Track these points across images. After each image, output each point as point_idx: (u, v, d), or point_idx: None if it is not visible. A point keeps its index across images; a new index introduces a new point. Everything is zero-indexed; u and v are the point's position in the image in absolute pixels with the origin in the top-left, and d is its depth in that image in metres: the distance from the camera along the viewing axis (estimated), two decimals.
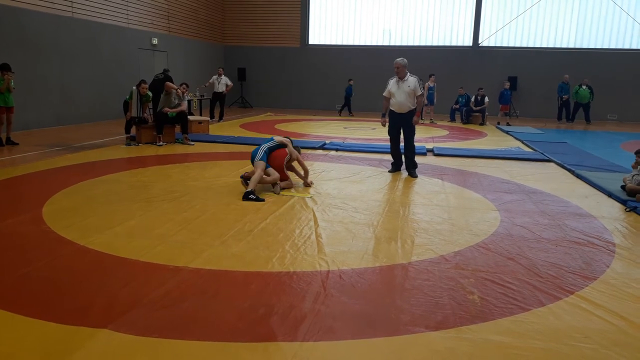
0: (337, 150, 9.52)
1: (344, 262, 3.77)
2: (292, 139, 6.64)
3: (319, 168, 7.60)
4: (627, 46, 18.78)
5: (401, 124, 7.39)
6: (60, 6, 11.79)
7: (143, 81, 9.64)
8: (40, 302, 3.03)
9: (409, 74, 7.23)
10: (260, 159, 5.88)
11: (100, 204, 5.26)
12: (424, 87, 16.17)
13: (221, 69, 14.88)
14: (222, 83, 14.48)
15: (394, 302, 3.16)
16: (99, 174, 6.66)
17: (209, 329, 2.74)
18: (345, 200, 5.71)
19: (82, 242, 4.04)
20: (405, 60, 7.21)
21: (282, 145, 6.26)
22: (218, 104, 14.80)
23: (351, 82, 18.13)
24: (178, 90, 10.00)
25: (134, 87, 9.51)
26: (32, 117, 11.08)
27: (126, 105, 9.63)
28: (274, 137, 6.43)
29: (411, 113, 7.29)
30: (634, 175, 6.15)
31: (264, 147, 6.08)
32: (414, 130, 7.46)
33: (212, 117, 14.54)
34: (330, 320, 2.88)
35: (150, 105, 10.10)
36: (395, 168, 7.53)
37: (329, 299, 3.15)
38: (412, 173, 7.23)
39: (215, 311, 2.95)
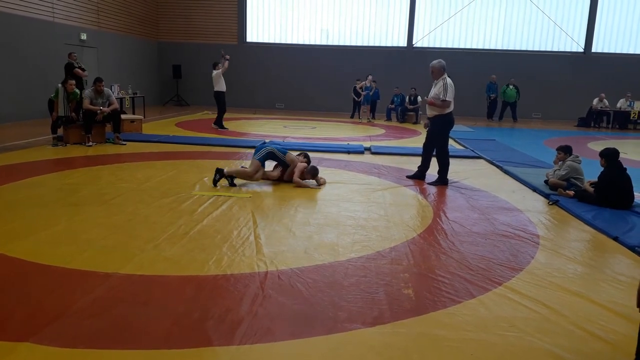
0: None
1: (282, 262, 3.75)
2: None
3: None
4: (549, 48, 19.97)
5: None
6: None
7: (70, 78, 9.16)
8: None
9: (443, 76, 6.68)
10: (258, 160, 6.27)
11: (23, 208, 4.94)
12: (359, 87, 16.61)
13: None
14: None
15: (332, 300, 3.17)
16: (22, 177, 6.25)
17: (141, 337, 2.63)
18: (285, 199, 5.69)
19: (2, 250, 3.77)
20: (438, 62, 6.75)
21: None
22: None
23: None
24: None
25: (59, 85, 9.00)
26: None
27: (51, 104, 9.10)
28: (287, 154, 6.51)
29: (435, 118, 6.79)
30: (555, 170, 6.54)
31: (271, 151, 6.37)
32: (437, 138, 6.84)
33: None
34: (267, 321, 2.85)
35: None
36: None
37: (267, 300, 3.12)
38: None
39: (147, 318, 2.84)
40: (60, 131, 9.10)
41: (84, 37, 14.97)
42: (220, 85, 12.36)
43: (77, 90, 9.32)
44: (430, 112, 6.84)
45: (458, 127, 14.55)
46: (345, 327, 2.82)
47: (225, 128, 12.52)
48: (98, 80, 9.26)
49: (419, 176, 7.10)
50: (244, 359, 2.50)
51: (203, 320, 2.82)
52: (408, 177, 7.17)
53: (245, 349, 2.57)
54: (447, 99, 6.60)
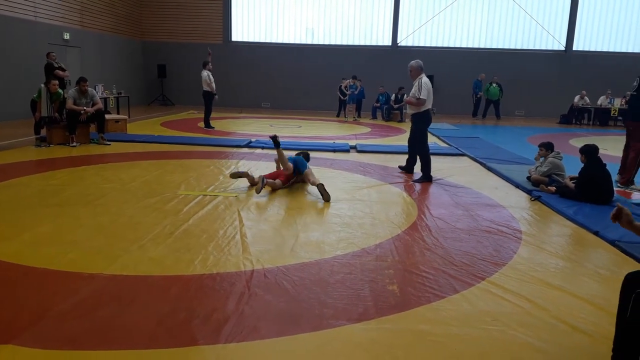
0: (262, 148, 9.47)
1: (268, 261, 3.76)
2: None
3: (245, 167, 7.52)
4: (531, 47, 20.19)
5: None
6: None
7: (53, 78, 9.05)
8: None
9: (421, 75, 6.91)
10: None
11: (5, 210, 4.89)
12: (345, 86, 16.68)
13: None
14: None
15: (318, 297, 3.19)
16: (5, 178, 6.17)
17: (126, 337, 2.63)
18: (271, 198, 5.69)
19: None
20: (416, 62, 6.96)
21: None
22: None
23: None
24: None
25: (42, 85, 8.90)
26: None
27: (34, 105, 8.98)
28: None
29: (413, 115, 7.11)
30: (537, 167, 6.64)
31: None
32: (418, 135, 7.12)
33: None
34: (254, 320, 2.86)
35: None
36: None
37: (253, 299, 3.13)
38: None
39: (132, 318, 2.84)
40: (43, 132, 9.00)
41: (67, 36, 14.79)
42: (210, 85, 12.31)
43: (61, 91, 9.22)
44: (411, 110, 7.19)
45: (442, 125, 14.71)
46: (331, 324, 2.85)
47: (212, 127, 12.48)
48: (82, 80, 9.15)
49: (407, 169, 7.46)
50: (230, 357, 2.51)
51: (189, 320, 2.82)
52: (400, 167, 7.62)
53: (232, 347, 2.58)
54: (421, 97, 6.85)
